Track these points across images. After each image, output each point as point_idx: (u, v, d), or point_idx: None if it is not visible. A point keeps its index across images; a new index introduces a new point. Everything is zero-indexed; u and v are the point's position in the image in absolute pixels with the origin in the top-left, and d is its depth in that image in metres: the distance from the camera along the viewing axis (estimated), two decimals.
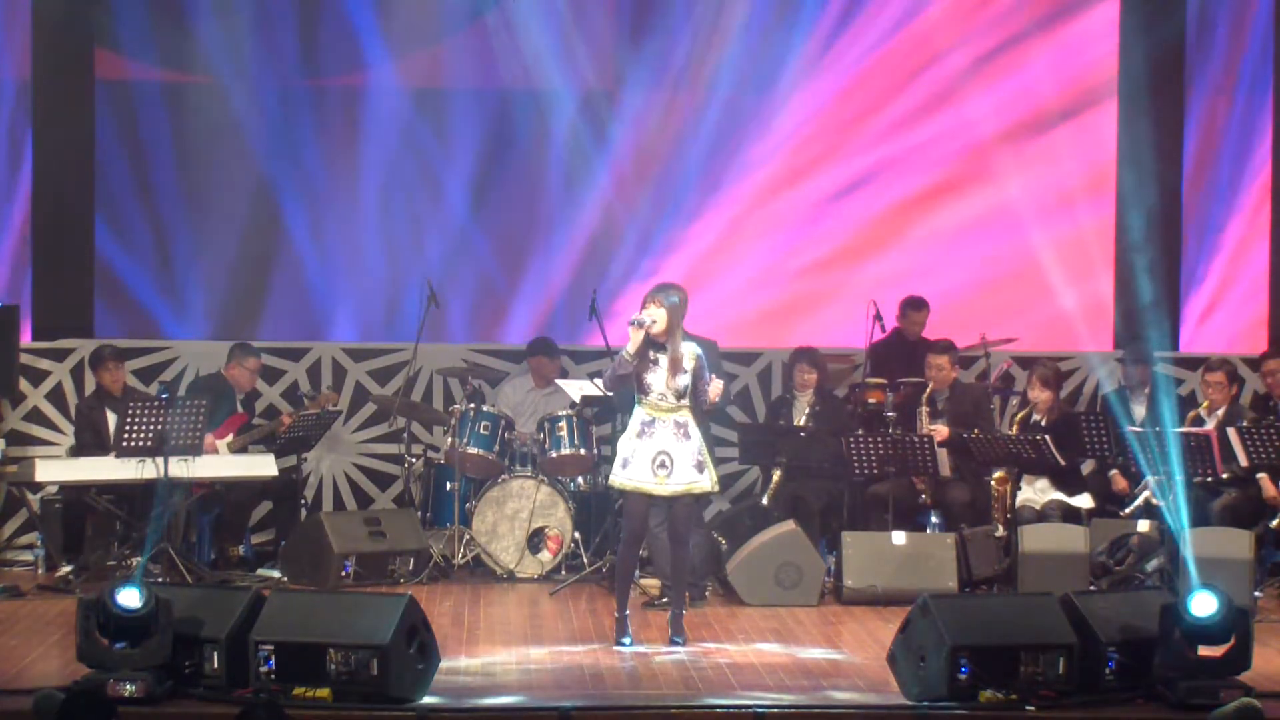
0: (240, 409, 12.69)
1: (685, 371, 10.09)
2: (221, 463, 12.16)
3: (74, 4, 13.89)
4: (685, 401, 10.13)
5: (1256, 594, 11.07)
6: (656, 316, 10.04)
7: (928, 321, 13.48)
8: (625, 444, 10.19)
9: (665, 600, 11.10)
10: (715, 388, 10.15)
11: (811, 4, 14.41)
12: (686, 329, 10.39)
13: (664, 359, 10.07)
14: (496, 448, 12.60)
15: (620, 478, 10.17)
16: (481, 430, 12.57)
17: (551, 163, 14.34)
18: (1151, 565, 11.39)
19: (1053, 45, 14.44)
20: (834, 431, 12.32)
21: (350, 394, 13.72)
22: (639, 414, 10.16)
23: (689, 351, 10.12)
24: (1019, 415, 12.35)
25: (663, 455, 10.11)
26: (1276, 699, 8.61)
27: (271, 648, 8.56)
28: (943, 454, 12.21)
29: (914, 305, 13.46)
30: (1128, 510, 11.88)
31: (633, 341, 10.05)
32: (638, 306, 10.16)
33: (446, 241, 14.34)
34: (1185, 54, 14.40)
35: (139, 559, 11.66)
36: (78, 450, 12.46)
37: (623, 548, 10.42)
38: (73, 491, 12.11)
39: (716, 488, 10.44)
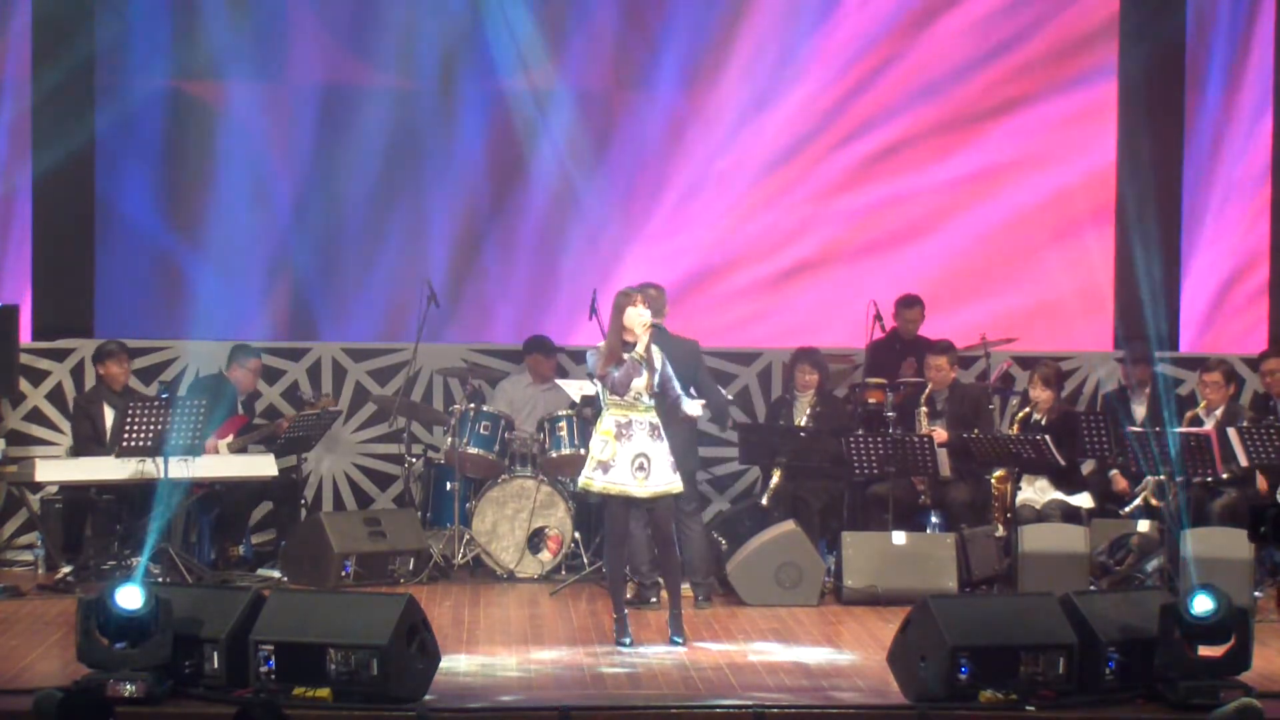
0: (241, 410, 12.69)
1: (657, 370, 10.15)
2: (221, 463, 12.16)
3: (74, 5, 13.89)
4: (654, 402, 10.18)
5: (1256, 594, 11.07)
6: (646, 318, 10.09)
7: (925, 319, 13.48)
8: (601, 446, 10.17)
9: (654, 601, 11.15)
10: (691, 407, 10.24)
11: (812, 2, 14.40)
12: (668, 328, 10.37)
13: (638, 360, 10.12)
14: (496, 448, 12.61)
15: (601, 482, 10.17)
16: (481, 430, 12.58)
17: (551, 162, 14.32)
18: (1151, 565, 11.40)
19: (1053, 45, 14.43)
20: (834, 432, 12.32)
21: (350, 394, 13.73)
22: (612, 415, 10.16)
23: (658, 352, 10.18)
24: (1019, 415, 12.35)
25: (641, 457, 10.13)
26: (1276, 699, 8.61)
27: (271, 648, 8.57)
28: (943, 454, 12.22)
29: (906, 303, 13.47)
30: (1128, 510, 11.89)
31: (641, 343, 10.07)
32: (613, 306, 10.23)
33: (446, 241, 14.34)
34: (1185, 54, 14.39)
35: (139, 559, 11.67)
36: (75, 445, 12.46)
37: (610, 550, 10.46)
38: (73, 491, 12.11)
39: (683, 487, 10.47)
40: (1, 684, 8.81)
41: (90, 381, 13.05)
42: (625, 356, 10.08)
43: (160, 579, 11.21)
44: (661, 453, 10.18)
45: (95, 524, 12.16)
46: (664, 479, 10.19)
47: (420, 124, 14.31)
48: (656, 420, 10.21)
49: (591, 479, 10.22)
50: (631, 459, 10.11)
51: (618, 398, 10.12)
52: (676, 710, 8.59)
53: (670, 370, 10.26)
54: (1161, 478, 11.40)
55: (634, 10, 14.40)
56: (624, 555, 10.60)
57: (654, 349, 10.20)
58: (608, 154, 14.36)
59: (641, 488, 10.13)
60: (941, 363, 12.53)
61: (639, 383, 10.10)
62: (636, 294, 10.21)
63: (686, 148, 14.37)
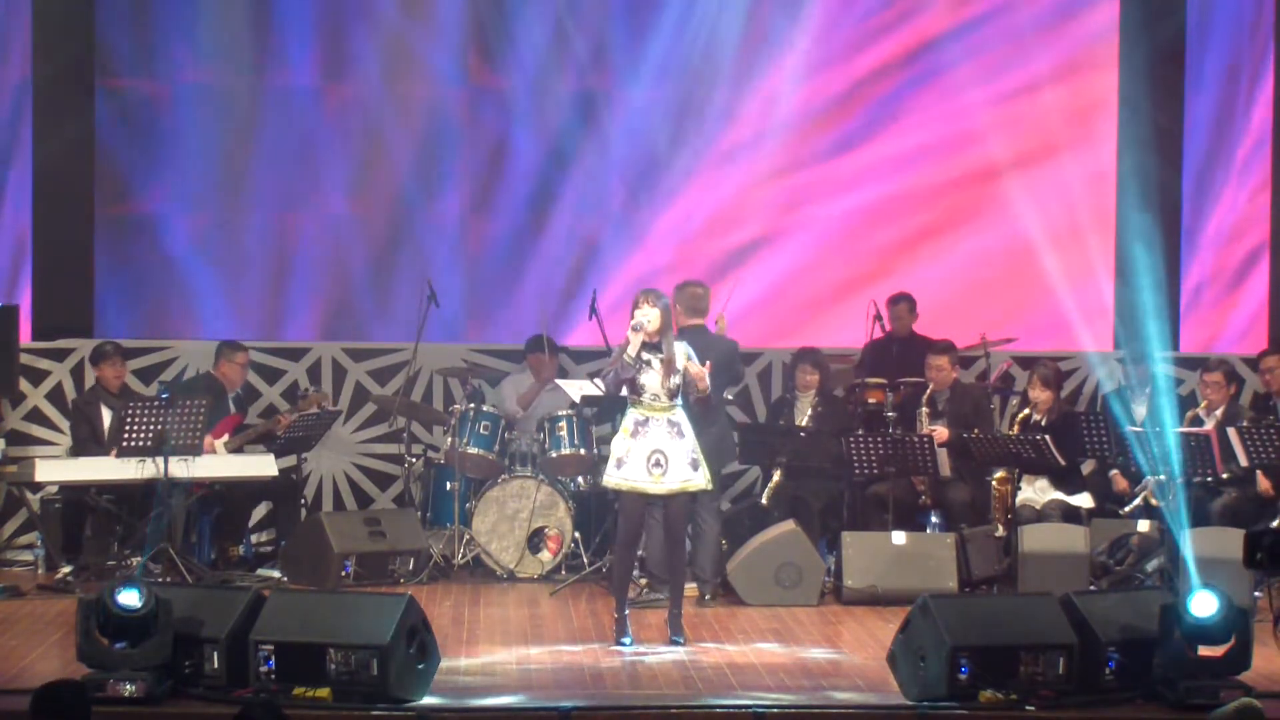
0: (233, 408, 12.68)
1: (678, 371, 10.12)
2: (221, 463, 12.15)
3: (74, 4, 13.89)
4: (678, 401, 10.16)
5: (1256, 594, 11.06)
6: (650, 317, 10.08)
7: (919, 315, 13.48)
8: (619, 444, 10.20)
9: (652, 598, 11.15)
10: (697, 369, 10.13)
11: (812, 1, 14.40)
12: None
13: (657, 360, 10.10)
14: (496, 448, 12.62)
15: (615, 478, 10.18)
16: (481, 430, 12.59)
17: (551, 162, 14.32)
18: (1151, 565, 11.40)
19: (1053, 45, 14.43)
20: (834, 432, 12.32)
21: (350, 394, 13.73)
22: (632, 414, 10.19)
23: (680, 351, 10.16)
24: (1019, 415, 12.35)
25: (657, 454, 10.12)
26: (1276, 699, 8.61)
27: (271, 648, 8.57)
28: (943, 454, 12.21)
29: (893, 301, 13.47)
30: (1127, 510, 11.89)
31: (633, 345, 10.07)
32: (630, 307, 10.23)
33: (446, 241, 14.34)
34: (1185, 53, 14.39)
35: (139, 559, 11.67)
36: (74, 446, 12.46)
37: (619, 548, 10.44)
38: (72, 491, 12.10)
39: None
40: (1, 684, 8.80)
41: (90, 382, 13.05)
42: (624, 357, 10.08)
43: (160, 579, 11.21)
44: (681, 450, 10.16)
45: (95, 524, 12.16)
46: (681, 476, 10.16)
47: (420, 124, 14.30)
48: (679, 418, 10.18)
49: (609, 475, 10.24)
50: (646, 456, 10.11)
51: (637, 396, 10.14)
52: (676, 710, 8.59)
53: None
54: (1161, 478, 11.40)
55: (631, 9, 14.39)
56: (633, 555, 10.58)
57: (680, 348, 10.19)
58: (608, 153, 14.35)
59: (657, 484, 10.13)
60: (942, 362, 12.53)
61: (650, 382, 10.09)
62: (641, 295, 10.20)
63: (687, 146, 14.35)
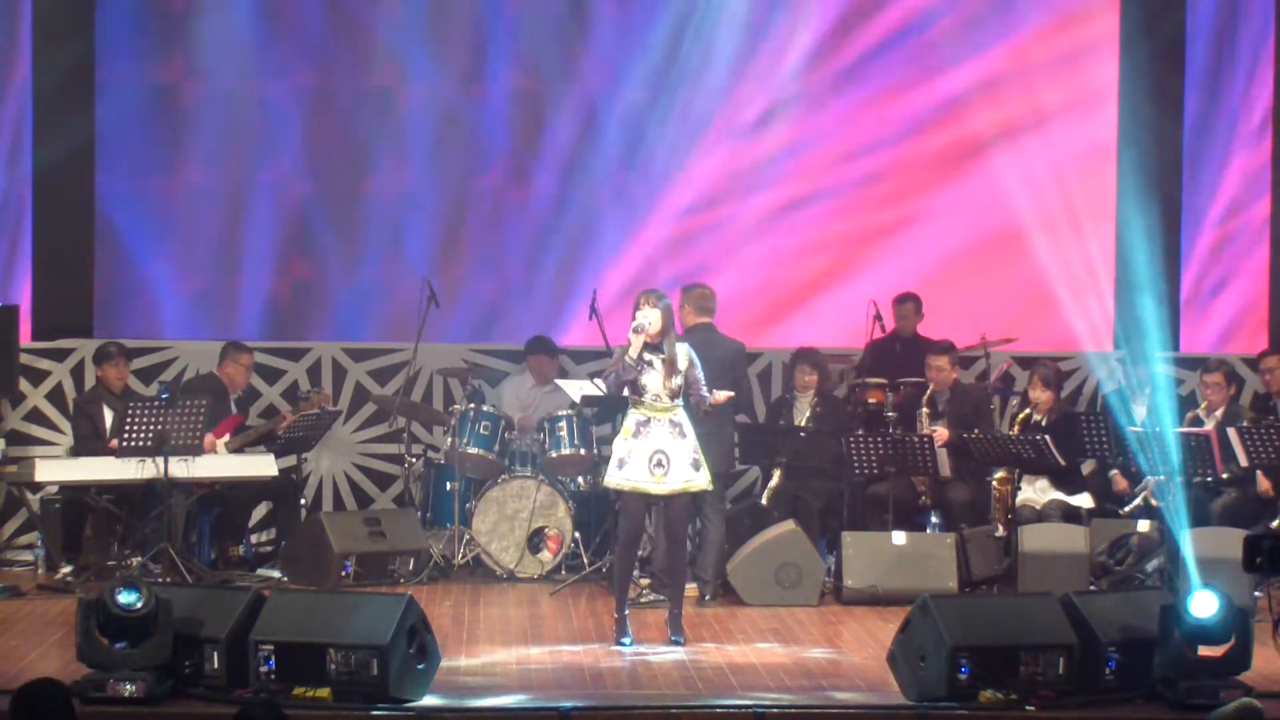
0: (235, 409, 12.68)
1: (679, 372, 10.13)
2: (221, 463, 12.15)
3: (74, 4, 13.90)
4: (679, 401, 10.17)
5: (1256, 594, 11.06)
6: (651, 318, 10.08)
7: (924, 315, 13.48)
8: (621, 444, 10.21)
9: (652, 599, 11.14)
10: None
11: None
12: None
13: (658, 360, 10.11)
14: (496, 448, 12.62)
15: (617, 478, 10.19)
16: (481, 430, 12.59)
17: (550, 161, 14.32)
18: (1151, 565, 11.40)
19: (1053, 43, 14.42)
20: (834, 432, 12.33)
21: (350, 394, 13.73)
22: (634, 414, 10.19)
23: (682, 352, 10.17)
24: (1019, 415, 12.36)
25: (659, 454, 10.12)
26: (1276, 699, 8.61)
27: (271, 648, 8.57)
28: (943, 454, 12.22)
29: (899, 300, 13.49)
30: (1128, 510, 11.89)
31: (634, 346, 10.08)
32: (631, 308, 10.25)
33: (446, 241, 14.33)
34: (1185, 52, 14.38)
35: (139, 559, 11.68)
36: (75, 445, 12.46)
37: (621, 548, 10.44)
38: (73, 491, 12.10)
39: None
40: (1, 684, 8.80)
41: (90, 381, 13.05)
42: (626, 359, 10.09)
43: (160, 579, 11.20)
44: (683, 450, 10.17)
45: (95, 524, 12.15)
46: (683, 476, 10.17)
47: (420, 124, 14.29)
48: (680, 419, 10.20)
49: (610, 476, 10.24)
50: (649, 456, 10.12)
51: (638, 397, 10.15)
52: (676, 710, 8.59)
53: (699, 372, 10.25)
54: (1161, 478, 11.40)
55: (629, 9, 14.38)
56: (634, 555, 10.59)
57: (681, 349, 10.20)
58: (608, 152, 14.33)
59: (659, 485, 10.14)
60: (943, 363, 12.54)
61: (652, 383, 10.10)
62: (642, 296, 10.22)
63: (687, 145, 14.34)
